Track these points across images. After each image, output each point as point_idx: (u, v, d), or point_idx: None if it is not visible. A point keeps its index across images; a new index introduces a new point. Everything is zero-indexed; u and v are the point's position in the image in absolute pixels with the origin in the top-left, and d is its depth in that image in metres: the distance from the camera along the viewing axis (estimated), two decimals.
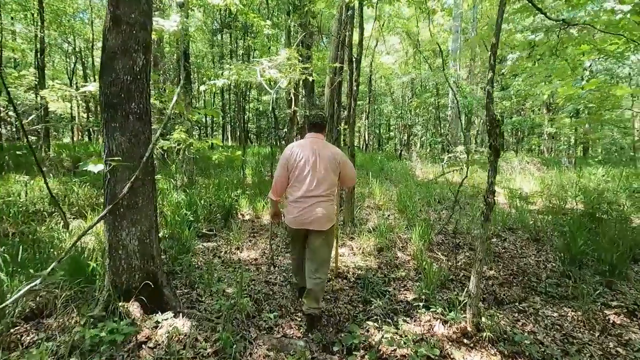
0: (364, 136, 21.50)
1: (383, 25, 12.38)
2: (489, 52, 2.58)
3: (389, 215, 5.65)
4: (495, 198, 2.53)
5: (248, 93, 20.38)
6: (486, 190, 2.50)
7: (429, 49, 13.68)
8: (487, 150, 2.53)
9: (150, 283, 2.45)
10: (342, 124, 5.67)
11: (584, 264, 3.72)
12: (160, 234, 4.14)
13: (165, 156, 9.12)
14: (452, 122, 12.52)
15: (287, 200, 2.61)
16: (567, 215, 5.61)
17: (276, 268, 3.67)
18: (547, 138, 20.69)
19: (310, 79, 5.05)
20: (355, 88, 4.62)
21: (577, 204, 6.37)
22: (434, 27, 13.51)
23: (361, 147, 20.99)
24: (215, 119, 20.83)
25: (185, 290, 2.98)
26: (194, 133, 18.31)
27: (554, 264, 3.95)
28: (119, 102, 2.33)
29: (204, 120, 21.96)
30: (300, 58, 4.86)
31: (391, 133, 23.33)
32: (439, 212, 6.00)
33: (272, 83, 5.17)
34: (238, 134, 20.52)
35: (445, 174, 8.60)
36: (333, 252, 3.90)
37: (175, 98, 2.10)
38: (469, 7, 13.28)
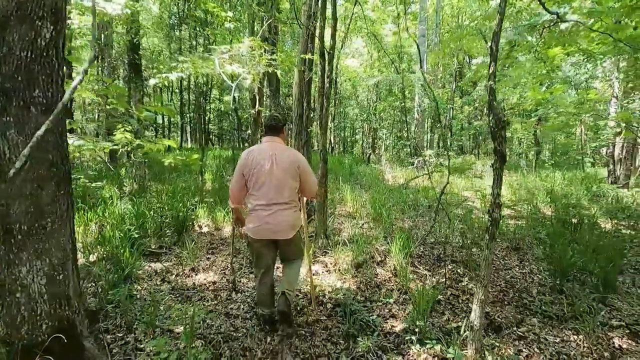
0: (330, 139, 21.21)
1: (349, 27, 12.09)
2: (490, 42, 2.21)
3: (363, 225, 5.23)
4: (499, 211, 2.15)
5: (209, 92, 19.33)
6: (491, 203, 2.12)
7: (395, 52, 13.65)
8: (492, 157, 2.15)
9: (63, 335, 1.80)
10: (313, 126, 5.19)
11: (573, 276, 3.50)
12: (94, 257, 3.41)
13: (109, 159, 8.16)
14: (418, 125, 12.49)
15: (247, 209, 2.44)
16: (540, 221, 5.52)
17: (239, 294, 3.09)
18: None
19: (277, 71, 4.52)
20: (327, 85, 4.15)
21: (547, 210, 6.35)
22: (400, 31, 13.48)
23: (327, 150, 20.56)
24: (172, 119, 19.56)
25: (120, 335, 2.33)
26: (146, 133, 16.97)
27: (539, 276, 3.72)
28: (13, 87, 1.67)
29: (161, 120, 20.55)
30: (265, 49, 4.31)
31: (357, 136, 23.25)
32: (414, 220, 5.68)
33: (234, 78, 4.59)
34: (198, 135, 19.39)
35: (416, 178, 8.40)
36: (305, 272, 3.41)
37: (77, 81, 1.48)
38: (434, 12, 13.39)
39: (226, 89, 17.34)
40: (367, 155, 11.25)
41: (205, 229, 5.00)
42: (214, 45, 3.86)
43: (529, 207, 6.12)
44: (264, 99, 8.88)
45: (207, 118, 19.44)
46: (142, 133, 7.44)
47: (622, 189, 7.81)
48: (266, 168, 2.29)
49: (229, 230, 4.90)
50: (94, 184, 4.81)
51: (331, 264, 3.80)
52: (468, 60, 20.63)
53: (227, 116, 22.65)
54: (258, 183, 2.30)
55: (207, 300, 2.92)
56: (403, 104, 10.81)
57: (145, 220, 4.53)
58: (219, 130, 23.08)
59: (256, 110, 8.00)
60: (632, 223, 5.69)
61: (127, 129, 4.49)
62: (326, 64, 4.19)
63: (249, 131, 10.35)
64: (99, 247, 3.51)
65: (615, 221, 5.71)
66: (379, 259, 3.99)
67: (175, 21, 15.49)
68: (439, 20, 15.70)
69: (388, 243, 4.26)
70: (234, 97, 2.91)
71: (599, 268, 3.35)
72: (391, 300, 3.10)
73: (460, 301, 3.12)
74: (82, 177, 4.66)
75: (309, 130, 5.36)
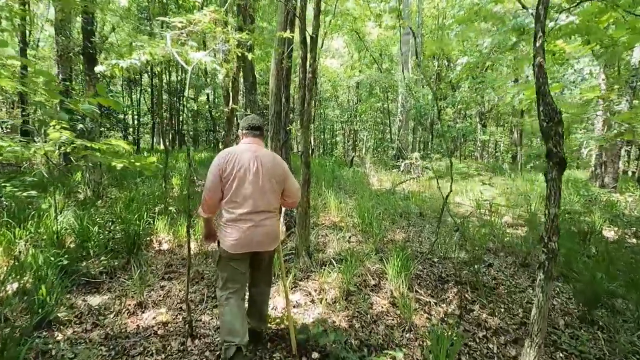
0: (310, 141, 20.58)
1: (331, 23, 11.50)
2: (538, 4, 1.61)
3: (350, 237, 4.59)
4: (557, 239, 1.54)
5: (182, 91, 18.20)
6: (546, 229, 1.51)
7: (378, 50, 13.17)
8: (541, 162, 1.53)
9: None
10: (294, 124, 4.52)
11: (603, 302, 2.97)
12: (9, 291, 2.58)
13: (62, 162, 7.18)
14: (402, 126, 12.04)
15: (221, 220, 2.12)
16: (540, 229, 5.06)
17: (196, 341, 2.36)
18: (480, 145, 21.74)
19: (249, 55, 3.82)
20: (310, 75, 3.48)
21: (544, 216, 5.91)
22: (383, 29, 13.02)
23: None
24: (141, 118, 18.34)
25: None
26: (112, 133, 15.73)
27: (559, 300, 3.19)
28: None
29: (131, 120, 19.20)
30: (234, 25, 3.60)
31: (337, 138, 22.71)
32: (406, 230, 5.10)
33: (205, 70, 3.83)
34: (171, 136, 18.23)
35: (403, 183, 7.87)
36: (282, 305, 2.72)
37: None
38: (417, 10, 13.02)
39: (201, 87, 16.34)
40: (350, 157, 10.66)
41: (165, 246, 4.21)
42: (168, 18, 3.09)
43: (527, 214, 5.66)
44: (239, 96, 8.11)
45: (181, 119, 18.33)
46: (96, 132, 6.53)
47: (614, 193, 7.55)
48: (251, 172, 2.05)
49: (194, 247, 4.13)
50: (24, 193, 3.93)
51: (315, 290, 3.12)
52: (447, 63, 20.55)
53: (202, 117, 21.56)
54: (241, 189, 2.04)
55: (151, 355, 2.17)
56: (386, 104, 10.29)
57: (88, 238, 3.71)
58: (194, 131, 21.96)
59: (229, 108, 7.24)
60: (634, 230, 5.33)
61: (64, 125, 3.65)
62: (308, 50, 3.52)
63: (223, 131, 9.52)
64: (11, 277, 2.68)
65: (618, 229, 5.33)
66: (373, 282, 3.34)
67: (145, 14, 14.42)
68: (420, 21, 15.41)
69: (382, 261, 3.63)
70: (189, 78, 2.20)
71: (635, 291, 2.84)
72: (391, 340, 2.46)
73: (478, 340, 2.52)
74: (7, 185, 3.77)
75: (288, 129, 4.67)
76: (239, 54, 3.54)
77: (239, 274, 2.12)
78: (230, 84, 7.62)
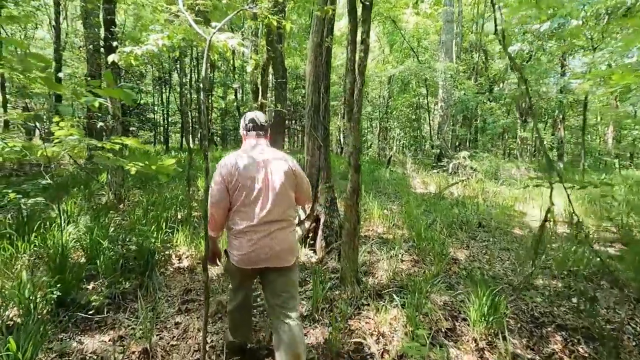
0: (340, 139, 19.75)
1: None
2: None
3: (403, 256, 3.79)
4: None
5: (211, 90, 17.95)
6: None
7: (414, 41, 12.17)
8: None
9: None
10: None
11: None
12: None
13: (86, 161, 6.86)
14: (443, 122, 11.00)
15: (229, 232, 1.89)
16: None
17: None
18: (519, 142, 20.07)
19: (280, 26, 3.12)
20: (362, 54, 2.72)
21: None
22: (421, 16, 12.01)
23: (335, 150, 19.19)
24: (170, 118, 18.29)
25: None
26: (140, 133, 15.65)
27: None
28: None
29: (161, 119, 19.24)
30: None
31: (368, 136, 21.79)
32: (468, 245, 4.23)
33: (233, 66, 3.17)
34: (200, 135, 18.02)
35: (452, 186, 6.95)
36: None
37: None
38: None
39: (229, 85, 15.95)
40: (388, 157, 9.77)
41: (185, 262, 3.60)
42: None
43: (620, 230, 4.62)
44: (268, 91, 7.48)
45: (209, 117, 18.10)
46: (118, 131, 6.08)
47: None
48: (259, 178, 1.84)
49: (216, 270, 3.50)
50: (30, 201, 3.43)
51: (372, 334, 2.37)
52: (484, 57, 19.09)
53: (231, 115, 21.31)
54: (249, 198, 1.83)
55: None
56: (421, 99, 9.31)
57: (96, 254, 3.16)
58: (222, 130, 21.79)
59: (259, 103, 6.61)
60: None
61: (72, 122, 3.11)
62: (359, 20, 2.75)
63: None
64: None
65: None
66: (445, 323, 2.54)
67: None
68: (460, 9, 14.21)
69: (450, 289, 2.81)
70: (207, 48, 1.52)
71: None
72: None
73: None
74: (9, 191, 3.28)
75: (326, 126, 3.93)
76: (270, 25, 2.84)
77: (242, 288, 2.04)
78: (260, 77, 6.99)
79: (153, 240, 3.55)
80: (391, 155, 9.77)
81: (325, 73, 3.88)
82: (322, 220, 3.83)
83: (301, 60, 14.98)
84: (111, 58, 3.62)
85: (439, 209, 5.56)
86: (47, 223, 3.61)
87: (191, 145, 18.48)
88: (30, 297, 2.28)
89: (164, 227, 3.87)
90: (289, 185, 1.89)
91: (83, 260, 3.21)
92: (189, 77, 16.64)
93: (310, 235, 3.93)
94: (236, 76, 14.37)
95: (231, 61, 15.55)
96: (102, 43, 6.05)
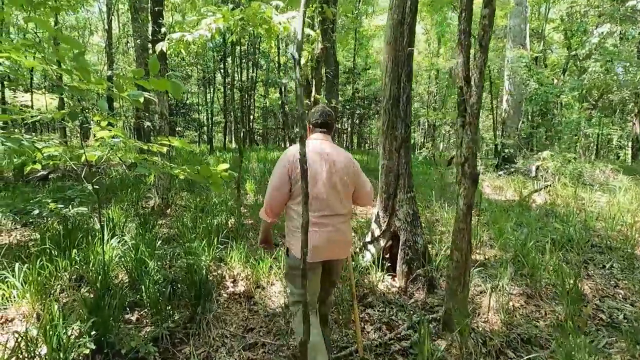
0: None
1: None
2: None
3: (505, 287, 2.95)
4: None
5: (254, 89, 17.78)
6: None
7: (475, 29, 10.98)
8: None
9: None
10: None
11: None
12: None
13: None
14: (509, 119, 9.80)
15: (292, 224, 1.87)
16: None
17: None
18: (583, 139, 17.85)
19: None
20: (487, 22, 1.96)
21: None
22: None
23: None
24: (215, 117, 18.32)
25: None
26: (185, 133, 15.71)
27: None
28: None
29: (203, 118, 19.39)
30: None
31: (415, 133, 20.63)
32: (590, 275, 3.31)
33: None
34: (242, 134, 17.89)
35: (536, 192, 5.92)
36: None
37: None
38: None
39: (275, 83, 15.60)
40: (449, 157, 8.80)
41: (240, 286, 3.04)
42: None
43: None
44: (321, 85, 6.84)
45: (251, 116, 17.93)
46: (165, 131, 5.73)
47: None
48: (324, 170, 1.84)
49: (276, 290, 2.91)
50: (72, 210, 3.04)
51: None
52: (542, 47, 17.25)
53: (272, 114, 21.09)
54: (315, 189, 1.81)
55: None
56: (490, 93, 8.23)
57: (141, 275, 2.68)
58: (264, 129, 21.64)
59: (312, 99, 6.00)
60: None
61: (110, 121, 2.64)
62: None
63: (297, 129, 8.34)
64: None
65: None
66: None
67: None
68: None
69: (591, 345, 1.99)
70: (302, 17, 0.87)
71: None
72: None
73: None
74: (49, 202, 2.90)
75: (409, 122, 3.20)
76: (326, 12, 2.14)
77: (311, 281, 1.89)
78: (311, 70, 6.38)
79: (204, 259, 3.04)
80: (453, 156, 8.82)
81: (407, 58, 3.15)
82: (402, 239, 3.11)
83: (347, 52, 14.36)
84: (159, 47, 3.14)
85: (529, 221, 4.62)
86: (90, 236, 3.22)
87: (233, 145, 18.41)
88: (60, 342, 1.79)
89: (215, 242, 3.35)
90: (350, 181, 1.93)
91: (126, 283, 2.74)
92: (231, 76, 16.57)
93: (387, 256, 3.23)
94: (281, 73, 13.96)
95: (276, 57, 15.20)
96: (149, 38, 5.75)
